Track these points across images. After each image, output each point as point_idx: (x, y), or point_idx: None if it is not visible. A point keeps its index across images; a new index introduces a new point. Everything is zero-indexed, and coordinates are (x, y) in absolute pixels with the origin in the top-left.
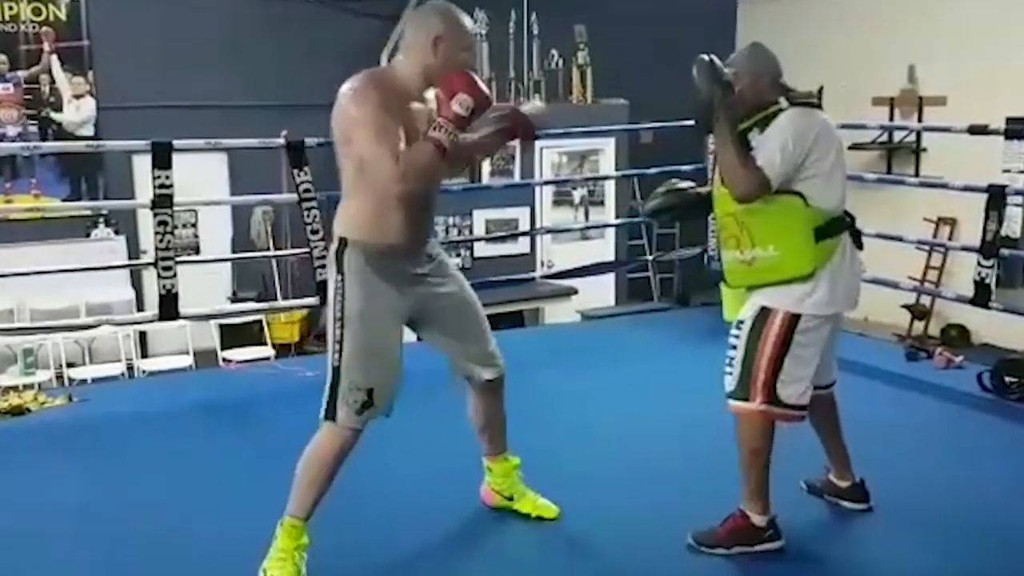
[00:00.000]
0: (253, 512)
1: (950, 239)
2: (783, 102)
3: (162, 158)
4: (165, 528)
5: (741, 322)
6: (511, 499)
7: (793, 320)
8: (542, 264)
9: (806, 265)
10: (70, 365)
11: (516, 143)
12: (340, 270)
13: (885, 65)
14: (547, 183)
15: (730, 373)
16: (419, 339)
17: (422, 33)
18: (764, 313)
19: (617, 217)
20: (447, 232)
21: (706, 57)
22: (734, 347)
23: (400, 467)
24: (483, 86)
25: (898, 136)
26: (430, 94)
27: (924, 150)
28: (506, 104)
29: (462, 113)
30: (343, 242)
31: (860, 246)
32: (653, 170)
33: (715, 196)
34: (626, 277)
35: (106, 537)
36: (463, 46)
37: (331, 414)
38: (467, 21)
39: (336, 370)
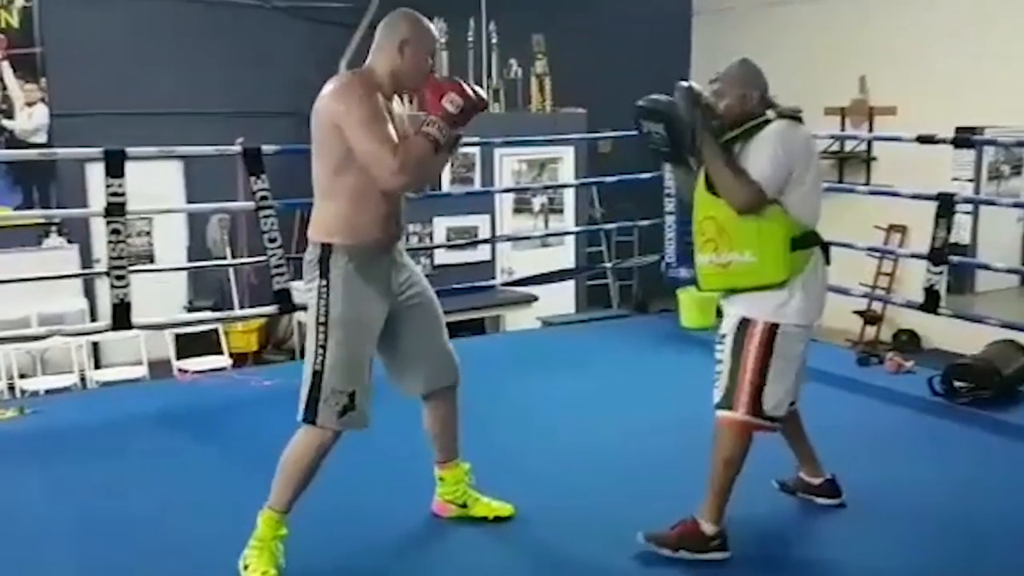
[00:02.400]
0: (212, 519)
1: (901, 246)
2: (770, 114)
3: (115, 166)
4: (122, 538)
5: (724, 336)
6: (464, 506)
7: (772, 329)
8: (502, 271)
9: (781, 272)
10: (22, 376)
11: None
12: (324, 275)
13: (836, 76)
14: (507, 191)
15: (717, 385)
16: (379, 350)
17: (390, 37)
18: (744, 324)
19: (576, 225)
20: (407, 239)
21: (685, 83)
22: (720, 360)
23: (359, 470)
24: (468, 88)
25: (849, 145)
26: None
27: (875, 159)
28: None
29: (452, 111)
30: (327, 247)
31: (828, 261)
32: (611, 178)
33: (696, 199)
34: (586, 284)
35: (61, 549)
36: (428, 50)
37: (311, 417)
38: (431, 27)
39: (317, 374)
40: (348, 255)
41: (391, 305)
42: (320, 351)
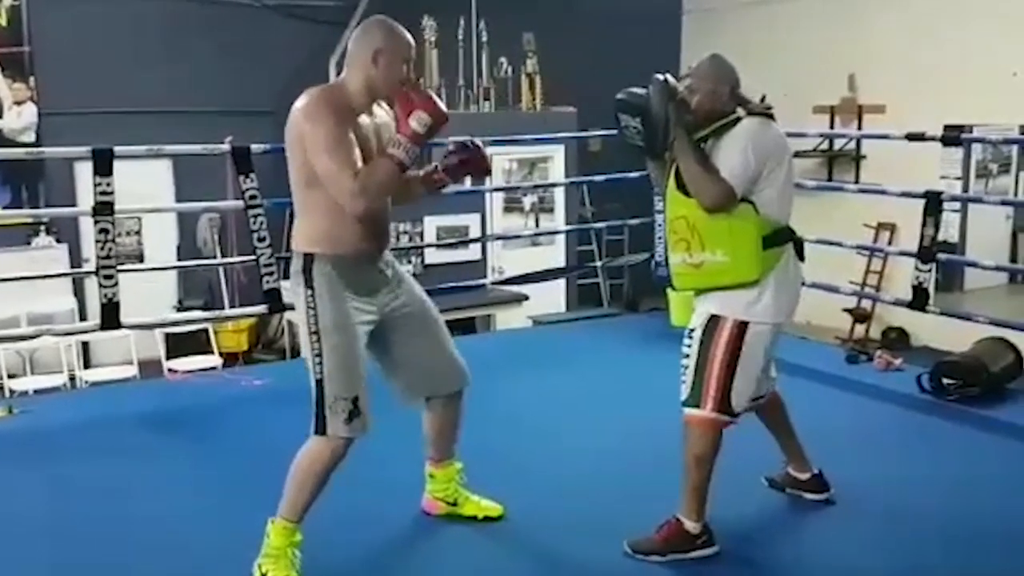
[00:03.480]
0: (203, 519)
1: (890, 244)
2: (741, 112)
3: (103, 165)
4: (111, 538)
5: (692, 331)
6: (455, 504)
7: (742, 327)
8: (493, 270)
9: (753, 271)
10: (11, 376)
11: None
12: (309, 284)
13: (826, 74)
14: (497, 190)
15: (684, 382)
16: (375, 357)
17: (363, 47)
18: (714, 321)
19: (567, 224)
20: (398, 239)
21: (661, 76)
22: (687, 356)
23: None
24: (440, 104)
25: (838, 144)
26: (377, 110)
27: (864, 157)
28: (464, 138)
29: (419, 131)
30: (308, 257)
31: (802, 258)
32: (601, 177)
33: (667, 198)
34: (576, 283)
35: (49, 550)
36: (403, 58)
37: (321, 428)
38: (406, 34)
39: (319, 383)
40: (331, 264)
41: (380, 314)
42: (317, 359)
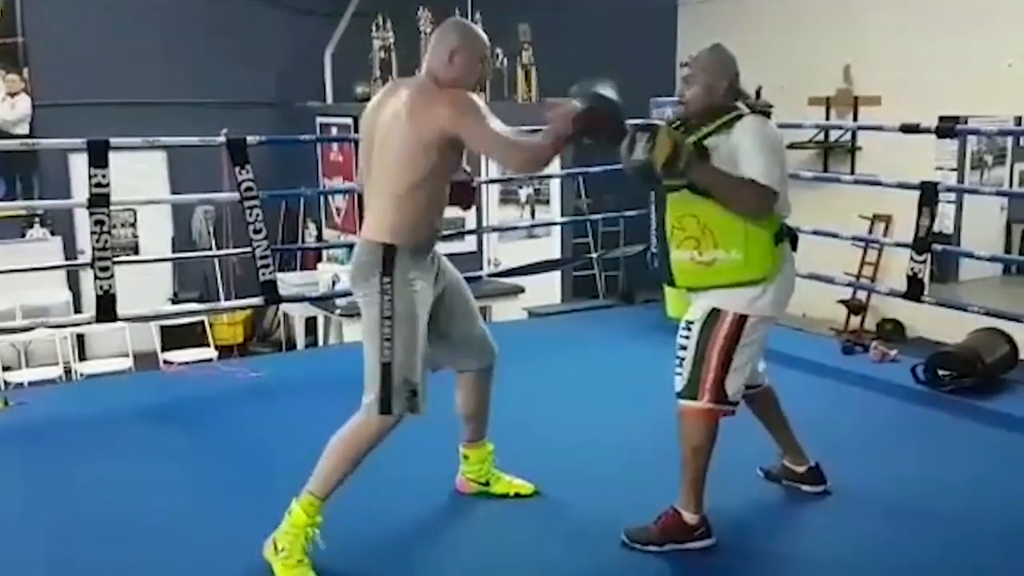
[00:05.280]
0: (202, 511)
1: (885, 235)
2: (742, 107)
3: (98, 156)
4: (109, 531)
5: (691, 323)
6: (487, 484)
7: (742, 320)
8: (489, 262)
9: (766, 269)
10: (6, 368)
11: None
12: (388, 272)
13: (821, 65)
14: (493, 181)
15: (680, 374)
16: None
17: (441, 48)
18: (715, 314)
19: (563, 215)
20: None
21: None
22: (684, 347)
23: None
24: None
25: (834, 135)
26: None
27: (859, 148)
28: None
29: (564, 134)
30: (391, 248)
31: (795, 249)
32: (597, 168)
33: (670, 197)
34: (572, 275)
35: (48, 542)
36: (480, 57)
37: (386, 408)
38: (482, 34)
39: (387, 366)
40: (409, 254)
41: (435, 294)
42: (387, 343)
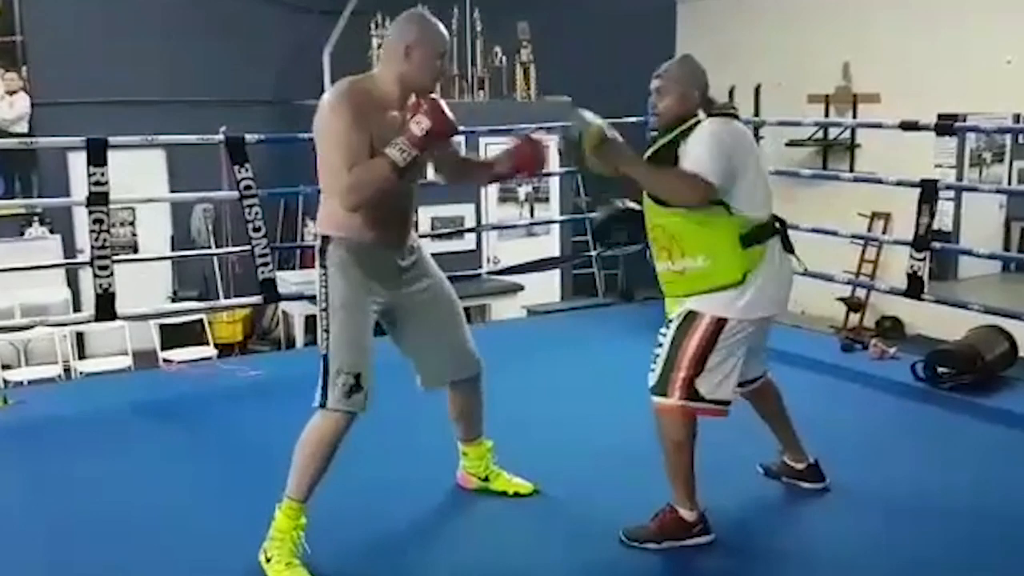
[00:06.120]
0: (201, 510)
1: (884, 233)
2: (701, 114)
3: (97, 155)
4: (108, 530)
5: (670, 322)
6: (486, 480)
7: (720, 323)
8: (488, 261)
9: (736, 272)
10: (5, 367)
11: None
12: (323, 264)
13: (820, 63)
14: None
15: (653, 370)
16: (395, 341)
17: (397, 41)
18: (691, 316)
19: (562, 213)
20: None
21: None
22: (660, 345)
23: (376, 447)
24: (446, 114)
25: (833, 132)
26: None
27: (858, 146)
28: (521, 136)
29: (418, 134)
30: (325, 239)
31: (790, 249)
32: None
33: (644, 207)
34: (571, 273)
35: (48, 541)
36: (437, 52)
37: (323, 400)
38: (441, 28)
39: (325, 357)
40: (345, 247)
41: (394, 298)
42: (325, 335)
